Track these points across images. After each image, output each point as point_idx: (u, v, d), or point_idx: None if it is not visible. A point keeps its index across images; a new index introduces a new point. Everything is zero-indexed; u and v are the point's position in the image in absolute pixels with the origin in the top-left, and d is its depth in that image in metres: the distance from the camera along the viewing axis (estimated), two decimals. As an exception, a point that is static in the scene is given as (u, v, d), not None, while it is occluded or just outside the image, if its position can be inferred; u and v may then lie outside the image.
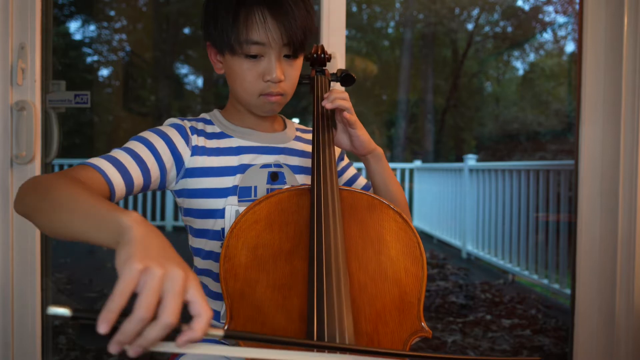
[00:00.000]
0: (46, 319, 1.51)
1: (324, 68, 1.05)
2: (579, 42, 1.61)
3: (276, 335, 0.71)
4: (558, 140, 7.74)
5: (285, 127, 1.04)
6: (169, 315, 0.49)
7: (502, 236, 4.32)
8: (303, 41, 0.88)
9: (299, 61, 0.93)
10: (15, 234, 1.45)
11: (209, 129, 0.97)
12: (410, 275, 0.79)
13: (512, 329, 3.01)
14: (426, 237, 6.09)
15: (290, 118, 1.09)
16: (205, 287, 0.96)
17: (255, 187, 0.93)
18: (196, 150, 0.92)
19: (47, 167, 1.53)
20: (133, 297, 0.49)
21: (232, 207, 0.91)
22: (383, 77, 9.61)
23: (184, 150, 0.91)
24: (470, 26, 9.09)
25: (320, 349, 0.61)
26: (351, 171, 1.09)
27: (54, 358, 1.79)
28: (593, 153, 1.58)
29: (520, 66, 9.50)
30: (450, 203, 5.50)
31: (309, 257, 0.74)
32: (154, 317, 0.49)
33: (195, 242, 0.96)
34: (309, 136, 1.04)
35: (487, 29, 9.25)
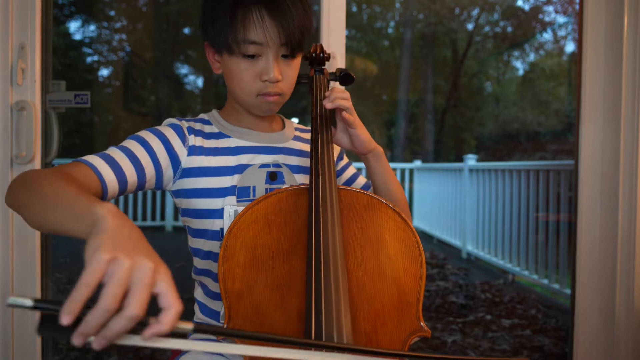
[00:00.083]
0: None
1: (322, 67, 1.05)
2: (579, 42, 1.61)
3: (251, 331, 0.71)
4: (558, 140, 7.74)
5: (284, 126, 1.04)
6: (135, 307, 0.48)
7: (502, 236, 4.32)
8: (301, 41, 0.88)
9: (297, 61, 0.93)
10: (15, 234, 1.45)
11: (207, 129, 0.97)
12: (409, 274, 0.79)
13: (512, 329, 3.01)
14: (426, 237, 6.09)
15: (290, 118, 1.09)
16: (204, 287, 0.96)
17: (254, 187, 0.93)
18: (193, 150, 0.92)
19: (47, 167, 1.54)
20: (100, 288, 0.48)
21: (230, 207, 0.91)
22: (383, 77, 9.61)
23: (181, 150, 0.91)
24: (470, 26, 9.09)
25: (311, 347, 0.60)
26: (350, 170, 1.08)
27: (54, 358, 1.79)
28: (593, 153, 1.58)
29: (520, 66, 9.51)
30: (450, 203, 5.50)
31: (307, 256, 0.74)
32: (120, 308, 0.48)
33: (193, 243, 0.96)
34: (308, 136, 1.04)
35: (487, 29, 9.25)
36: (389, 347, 0.74)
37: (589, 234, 1.58)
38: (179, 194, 0.94)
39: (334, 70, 1.06)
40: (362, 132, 0.92)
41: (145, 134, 0.89)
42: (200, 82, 7.91)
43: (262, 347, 0.54)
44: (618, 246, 1.52)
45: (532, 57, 9.21)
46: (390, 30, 9.73)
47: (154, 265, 0.51)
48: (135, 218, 5.87)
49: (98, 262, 0.48)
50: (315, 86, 1.00)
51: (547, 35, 8.98)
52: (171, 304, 0.50)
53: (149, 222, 5.93)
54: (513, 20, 8.89)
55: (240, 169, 0.93)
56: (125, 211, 5.83)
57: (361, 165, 1.10)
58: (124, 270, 0.49)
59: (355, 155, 0.99)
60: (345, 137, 0.94)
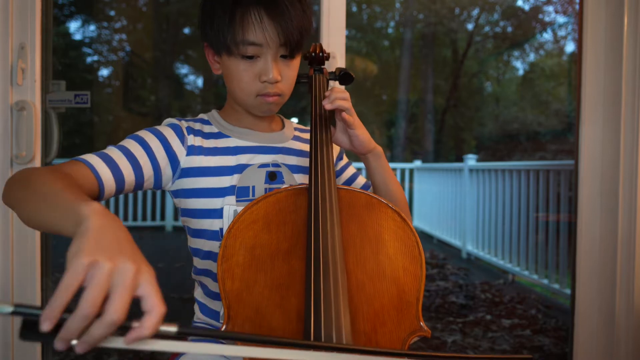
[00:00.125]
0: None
1: (322, 67, 1.05)
2: (579, 42, 1.61)
3: (233, 332, 0.70)
4: (558, 140, 7.74)
5: (283, 126, 1.04)
6: (115, 311, 0.47)
7: (502, 236, 4.32)
8: (299, 41, 0.88)
9: (296, 61, 0.93)
10: (15, 234, 1.45)
11: (207, 128, 0.97)
12: (408, 274, 0.78)
13: (512, 329, 3.01)
14: (426, 237, 6.09)
15: (289, 118, 1.09)
16: (204, 287, 0.96)
17: (254, 187, 0.93)
18: (192, 150, 0.92)
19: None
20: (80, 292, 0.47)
21: (230, 207, 0.91)
22: (383, 77, 9.62)
23: (179, 150, 0.91)
24: (470, 26, 9.10)
25: (309, 348, 0.59)
26: (350, 170, 1.08)
27: (54, 358, 1.79)
28: (593, 153, 1.58)
29: (520, 66, 9.51)
30: (450, 203, 5.50)
31: (307, 256, 0.74)
32: (101, 313, 0.47)
33: (193, 243, 0.96)
34: (308, 136, 1.04)
35: (487, 29, 9.26)
36: (388, 347, 0.74)
37: (589, 234, 1.58)
38: (178, 194, 0.94)
39: (334, 70, 1.06)
40: (362, 132, 0.92)
41: (144, 134, 0.89)
42: (200, 82, 7.91)
43: (254, 348, 0.53)
44: (618, 246, 1.52)
45: (532, 57, 9.22)
46: (390, 30, 9.74)
47: (136, 268, 0.49)
48: (135, 218, 5.87)
49: (77, 266, 0.48)
50: (315, 85, 1.00)
51: (547, 35, 8.98)
52: (153, 307, 0.49)
53: (149, 222, 5.92)
54: (513, 20, 8.89)
55: (239, 168, 0.93)
56: (126, 211, 5.83)
57: (361, 165, 1.10)
58: (103, 274, 0.47)
59: (355, 155, 0.99)
60: (345, 137, 0.94)
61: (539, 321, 3.14)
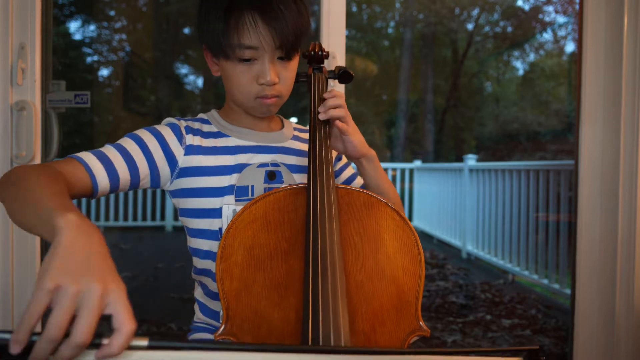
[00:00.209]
0: (46, 319, 1.51)
1: (321, 65, 1.04)
2: (579, 42, 1.61)
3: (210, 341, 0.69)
4: (558, 140, 7.74)
5: (282, 126, 1.04)
6: (80, 334, 0.48)
7: (502, 236, 4.32)
8: (295, 43, 0.88)
9: (294, 62, 0.93)
10: (15, 234, 1.45)
11: (206, 128, 0.97)
12: (407, 273, 0.78)
13: (512, 329, 3.01)
14: (426, 237, 6.09)
15: (289, 118, 1.09)
16: (204, 287, 0.96)
17: (252, 187, 0.92)
18: (191, 150, 0.92)
19: (46, 166, 1.53)
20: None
21: (229, 206, 0.91)
22: (383, 77, 9.62)
23: (177, 149, 0.91)
24: (470, 26, 9.10)
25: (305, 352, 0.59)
26: (349, 171, 1.08)
27: (53, 358, 1.79)
28: (593, 153, 1.58)
29: (520, 66, 9.51)
30: (450, 203, 5.50)
31: (305, 255, 0.74)
32: (68, 334, 0.48)
33: (192, 242, 0.95)
34: (307, 135, 1.04)
35: (487, 29, 9.26)
36: (387, 347, 0.74)
37: (589, 234, 1.58)
38: (177, 193, 0.94)
39: (333, 69, 1.06)
40: (355, 139, 0.92)
41: (141, 133, 0.89)
42: (200, 82, 7.91)
43: (264, 355, 0.53)
44: (618, 246, 1.52)
45: (532, 57, 9.22)
46: (390, 30, 9.74)
47: (102, 288, 0.50)
48: (135, 218, 5.87)
49: (41, 291, 0.49)
50: (314, 84, 0.99)
51: (547, 35, 8.98)
52: (121, 325, 0.50)
53: (149, 222, 5.92)
54: (513, 20, 8.89)
55: (238, 168, 0.93)
56: (126, 211, 5.83)
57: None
58: (67, 298, 0.48)
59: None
60: (339, 143, 0.94)
61: (539, 321, 3.14)
